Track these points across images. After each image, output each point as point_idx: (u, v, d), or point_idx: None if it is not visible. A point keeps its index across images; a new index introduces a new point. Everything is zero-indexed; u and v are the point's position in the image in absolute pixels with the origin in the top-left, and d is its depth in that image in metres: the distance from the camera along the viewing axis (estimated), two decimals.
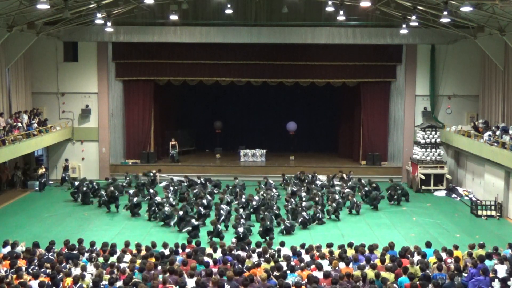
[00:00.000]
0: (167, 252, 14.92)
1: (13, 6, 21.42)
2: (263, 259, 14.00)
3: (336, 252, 15.04)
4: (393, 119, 30.72)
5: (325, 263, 13.75)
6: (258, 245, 15.43)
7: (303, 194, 23.28)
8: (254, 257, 14.46)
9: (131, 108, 30.80)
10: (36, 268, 13.15)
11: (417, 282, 12.11)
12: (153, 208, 21.54)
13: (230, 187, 24.18)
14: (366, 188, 24.70)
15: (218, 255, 14.76)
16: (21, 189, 27.54)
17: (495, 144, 23.14)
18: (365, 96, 30.83)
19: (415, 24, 25.90)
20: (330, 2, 24.14)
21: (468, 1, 19.49)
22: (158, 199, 22.11)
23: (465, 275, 13.21)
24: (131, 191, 23.19)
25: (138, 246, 15.28)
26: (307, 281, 12.19)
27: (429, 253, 14.95)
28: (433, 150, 27.88)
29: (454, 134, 27.71)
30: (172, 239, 17.91)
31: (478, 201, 24.11)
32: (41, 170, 27.71)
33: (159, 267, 13.25)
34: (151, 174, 26.63)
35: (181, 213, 20.15)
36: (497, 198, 23.33)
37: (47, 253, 14.68)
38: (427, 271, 13.18)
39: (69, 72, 29.76)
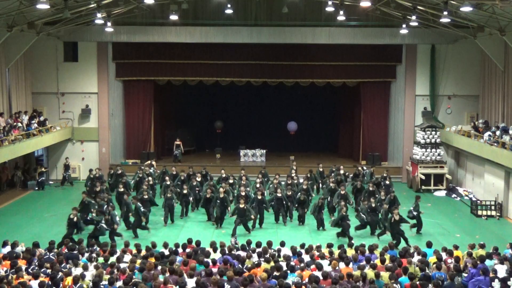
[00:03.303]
0: (167, 252, 14.92)
1: (13, 6, 21.42)
2: (263, 259, 14.00)
3: (336, 252, 15.04)
4: (393, 119, 30.73)
5: (325, 263, 13.75)
6: (258, 245, 15.42)
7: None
8: (254, 257, 14.46)
9: (131, 108, 30.81)
10: (36, 268, 13.16)
11: (417, 282, 12.12)
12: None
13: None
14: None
15: (218, 255, 14.77)
16: (21, 189, 27.57)
17: (495, 144, 23.15)
18: (365, 96, 30.83)
19: (415, 24, 25.91)
20: (330, 2, 24.14)
21: (468, 1, 19.50)
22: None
23: (465, 275, 13.21)
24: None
25: (138, 246, 15.27)
26: (308, 281, 12.19)
27: (429, 253, 14.97)
28: (433, 150, 27.89)
29: (454, 134, 27.71)
30: (172, 239, 17.90)
31: (478, 201, 24.13)
32: (40, 169, 27.76)
33: (159, 267, 13.25)
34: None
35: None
36: (497, 198, 23.33)
37: (47, 253, 14.69)
38: (427, 271, 13.18)
39: (69, 72, 29.77)
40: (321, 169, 25.75)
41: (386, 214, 19.52)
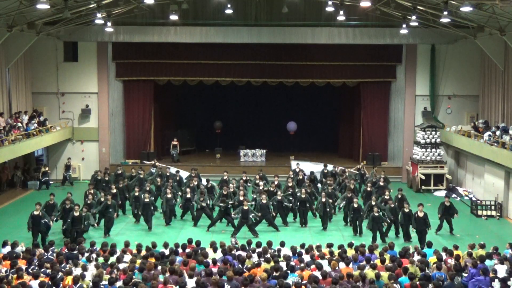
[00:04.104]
0: (167, 252, 14.92)
1: (13, 6, 21.42)
2: (263, 259, 14.00)
3: (336, 252, 15.04)
4: (393, 119, 30.73)
5: (325, 263, 13.75)
6: (258, 245, 15.42)
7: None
8: (254, 257, 14.46)
9: (131, 108, 30.83)
10: (36, 268, 13.17)
11: (417, 282, 12.13)
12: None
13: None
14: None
15: (218, 255, 14.77)
16: (21, 189, 27.59)
17: (495, 144, 23.15)
18: (365, 96, 30.84)
19: (415, 24, 25.92)
20: (330, 2, 24.14)
21: (468, 1, 19.50)
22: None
23: (465, 275, 13.21)
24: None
25: (138, 246, 15.26)
26: (308, 281, 12.19)
27: (429, 253, 14.97)
28: (433, 150, 27.89)
29: (454, 134, 27.72)
30: (172, 239, 17.91)
31: (478, 201, 24.13)
32: (43, 169, 27.80)
33: (159, 267, 13.26)
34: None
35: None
36: (497, 198, 23.33)
37: (46, 253, 14.70)
38: (427, 271, 13.18)
39: (69, 72, 29.78)
40: (325, 171, 25.66)
41: (406, 214, 19.25)
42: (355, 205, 20.02)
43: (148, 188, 22.19)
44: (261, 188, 22.57)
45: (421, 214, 18.65)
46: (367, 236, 19.59)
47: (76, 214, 18.59)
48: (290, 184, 22.75)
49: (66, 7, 20.75)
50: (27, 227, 18.34)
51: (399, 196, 20.73)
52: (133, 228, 20.90)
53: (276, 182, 22.94)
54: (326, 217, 20.88)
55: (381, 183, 23.12)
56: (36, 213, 18.34)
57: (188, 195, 21.64)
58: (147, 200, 20.69)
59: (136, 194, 21.48)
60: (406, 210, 19.21)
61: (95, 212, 19.94)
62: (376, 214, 18.98)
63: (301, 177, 24.48)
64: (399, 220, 19.50)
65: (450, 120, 29.71)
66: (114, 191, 21.90)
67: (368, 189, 22.25)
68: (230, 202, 20.83)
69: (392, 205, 19.81)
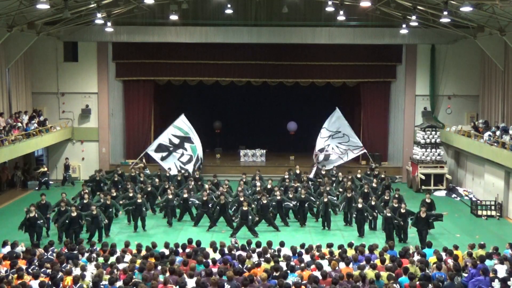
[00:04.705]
0: (167, 252, 14.92)
1: (13, 6, 21.43)
2: (263, 259, 14.00)
3: (336, 252, 15.04)
4: (393, 119, 30.73)
5: (325, 263, 13.76)
6: (258, 245, 15.42)
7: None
8: (254, 257, 14.46)
9: (131, 108, 30.82)
10: (36, 268, 13.17)
11: (417, 282, 12.13)
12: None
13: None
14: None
15: (218, 255, 14.77)
16: (21, 189, 27.59)
17: (495, 144, 23.15)
18: (365, 96, 30.84)
19: (415, 24, 25.92)
20: (330, 2, 24.16)
21: (468, 1, 19.51)
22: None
23: (465, 275, 13.22)
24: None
25: (138, 246, 15.26)
26: (308, 281, 12.19)
27: (429, 253, 14.98)
28: (433, 150, 27.90)
29: (454, 134, 27.72)
30: (173, 239, 17.90)
31: (478, 201, 24.13)
32: (43, 169, 27.79)
33: (159, 267, 13.26)
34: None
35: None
36: (497, 198, 23.34)
37: (46, 253, 14.70)
38: (427, 271, 13.19)
39: (69, 72, 29.77)
40: (323, 171, 25.66)
41: (402, 215, 19.24)
42: (360, 206, 20.02)
43: (149, 189, 22.24)
44: (258, 189, 22.56)
45: (423, 215, 18.67)
46: (369, 237, 19.63)
47: (74, 214, 18.58)
48: (295, 185, 22.75)
49: (66, 7, 20.74)
50: (21, 228, 18.45)
51: (396, 196, 20.75)
52: (133, 228, 20.85)
53: (269, 186, 22.81)
54: (328, 217, 20.87)
55: (374, 185, 23.15)
56: (31, 214, 18.40)
57: (185, 195, 21.62)
58: (139, 200, 20.59)
59: (131, 194, 21.51)
60: (403, 211, 19.21)
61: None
62: (389, 215, 18.93)
63: (305, 179, 24.43)
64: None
65: (450, 120, 29.71)
66: (115, 194, 21.88)
67: (365, 190, 22.23)
68: (232, 212, 20.89)
69: (396, 205, 19.72)
